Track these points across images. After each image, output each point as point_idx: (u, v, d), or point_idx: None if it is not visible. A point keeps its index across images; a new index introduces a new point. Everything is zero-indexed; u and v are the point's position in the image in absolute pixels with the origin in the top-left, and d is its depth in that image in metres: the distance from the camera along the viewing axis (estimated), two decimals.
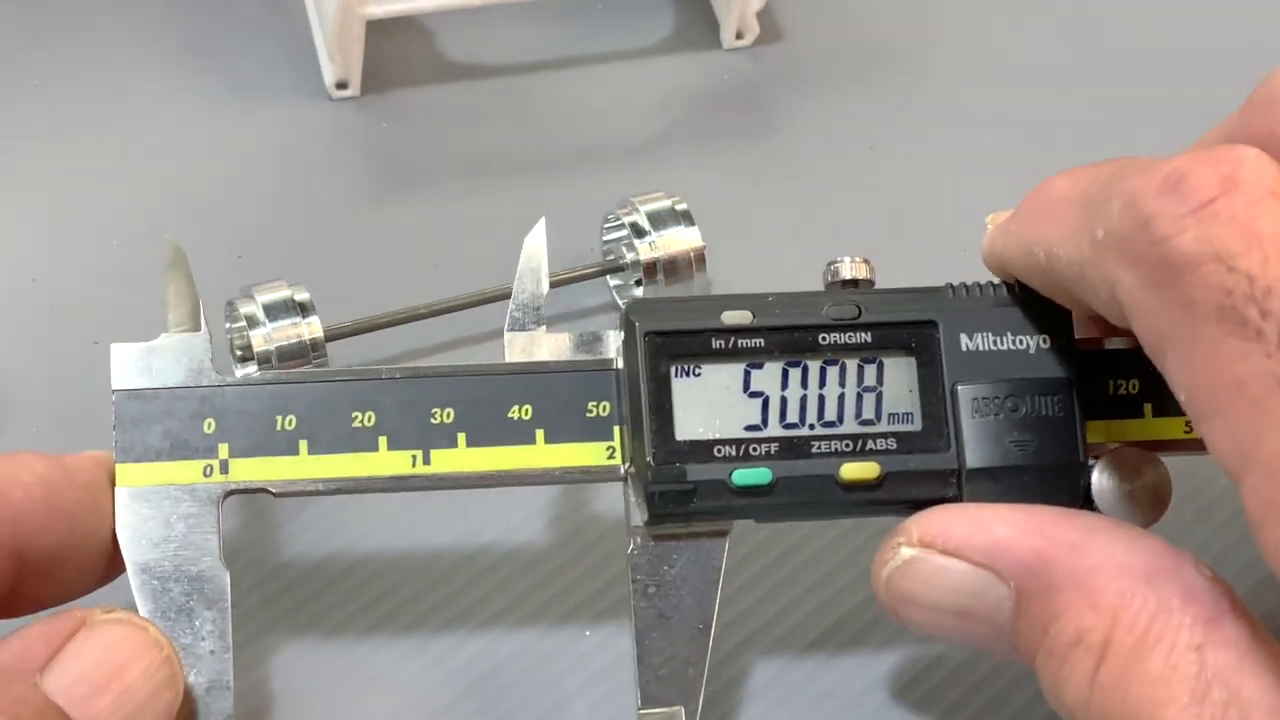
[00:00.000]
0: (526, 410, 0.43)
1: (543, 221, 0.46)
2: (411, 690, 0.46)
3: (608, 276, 0.53)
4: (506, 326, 0.44)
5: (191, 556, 0.41)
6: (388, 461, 0.42)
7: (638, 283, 0.52)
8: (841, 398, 0.43)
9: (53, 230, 0.55)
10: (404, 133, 0.58)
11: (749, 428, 0.42)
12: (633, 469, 0.42)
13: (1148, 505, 0.42)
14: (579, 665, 0.46)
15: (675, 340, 0.42)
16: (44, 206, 0.55)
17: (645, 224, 0.52)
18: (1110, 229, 0.37)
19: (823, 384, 0.43)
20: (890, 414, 0.42)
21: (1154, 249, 0.36)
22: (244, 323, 0.49)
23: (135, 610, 0.41)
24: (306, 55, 0.59)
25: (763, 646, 0.47)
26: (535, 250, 0.45)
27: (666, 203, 0.52)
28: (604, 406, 0.43)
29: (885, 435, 0.42)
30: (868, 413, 0.42)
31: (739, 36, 0.60)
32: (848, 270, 0.44)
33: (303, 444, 0.42)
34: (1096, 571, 0.38)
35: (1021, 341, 0.43)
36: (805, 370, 0.43)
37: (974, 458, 0.42)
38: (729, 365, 0.42)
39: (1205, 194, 0.36)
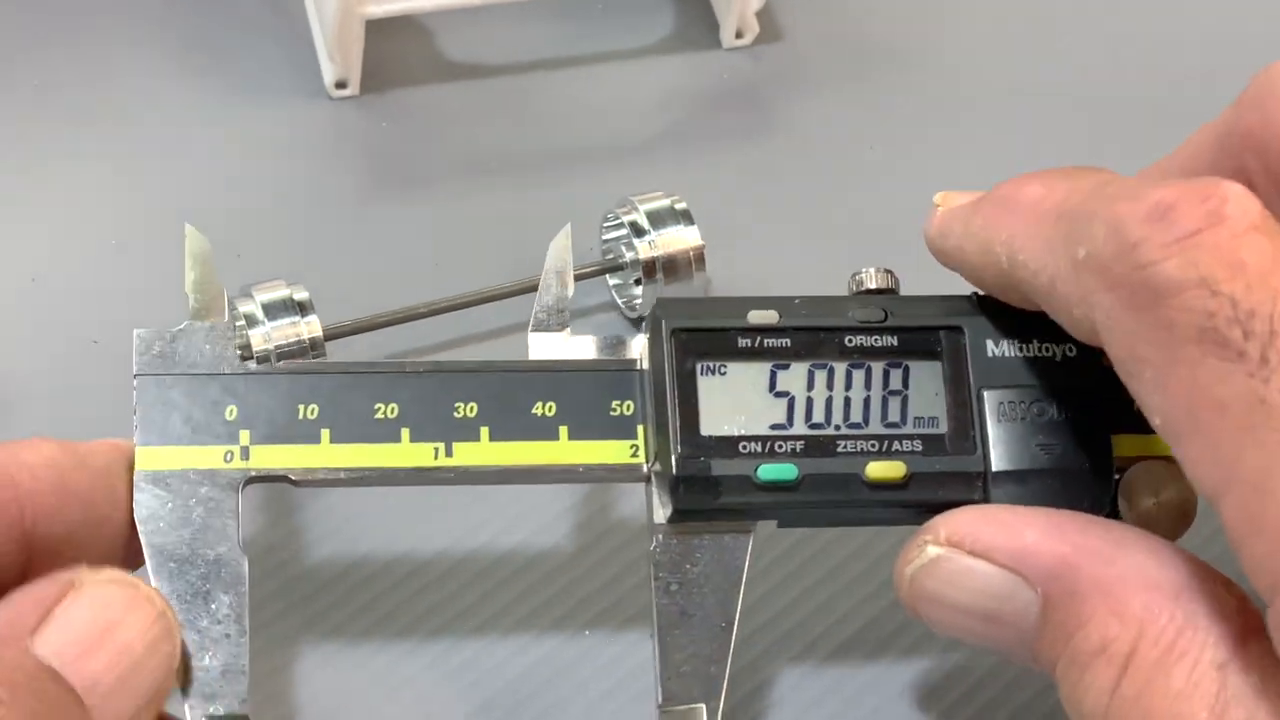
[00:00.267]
0: (550, 407, 0.43)
1: (569, 226, 0.46)
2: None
3: (607, 276, 0.53)
4: (531, 327, 0.44)
5: (210, 541, 0.41)
6: (410, 453, 0.42)
7: (637, 281, 0.52)
8: (867, 400, 0.43)
9: (52, 230, 0.55)
10: (403, 132, 0.58)
11: (774, 426, 0.42)
12: (657, 466, 0.42)
13: (1173, 519, 0.42)
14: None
15: (702, 338, 0.43)
16: (44, 206, 0.55)
17: (644, 223, 0.52)
18: (1093, 250, 0.38)
19: (849, 386, 0.43)
20: (916, 417, 0.43)
21: (1138, 273, 0.37)
22: (243, 321, 0.49)
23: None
24: (306, 55, 0.59)
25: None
26: (560, 253, 0.45)
27: (666, 202, 0.52)
28: (627, 406, 0.43)
29: (911, 437, 0.42)
30: (893, 415, 0.43)
31: (739, 36, 0.60)
32: (872, 281, 0.44)
33: (324, 433, 0.42)
34: (1125, 582, 0.38)
35: (1048, 350, 0.43)
36: (831, 372, 0.43)
37: (1000, 461, 0.42)
38: (755, 364, 0.43)
39: (1191, 224, 0.36)
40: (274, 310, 0.48)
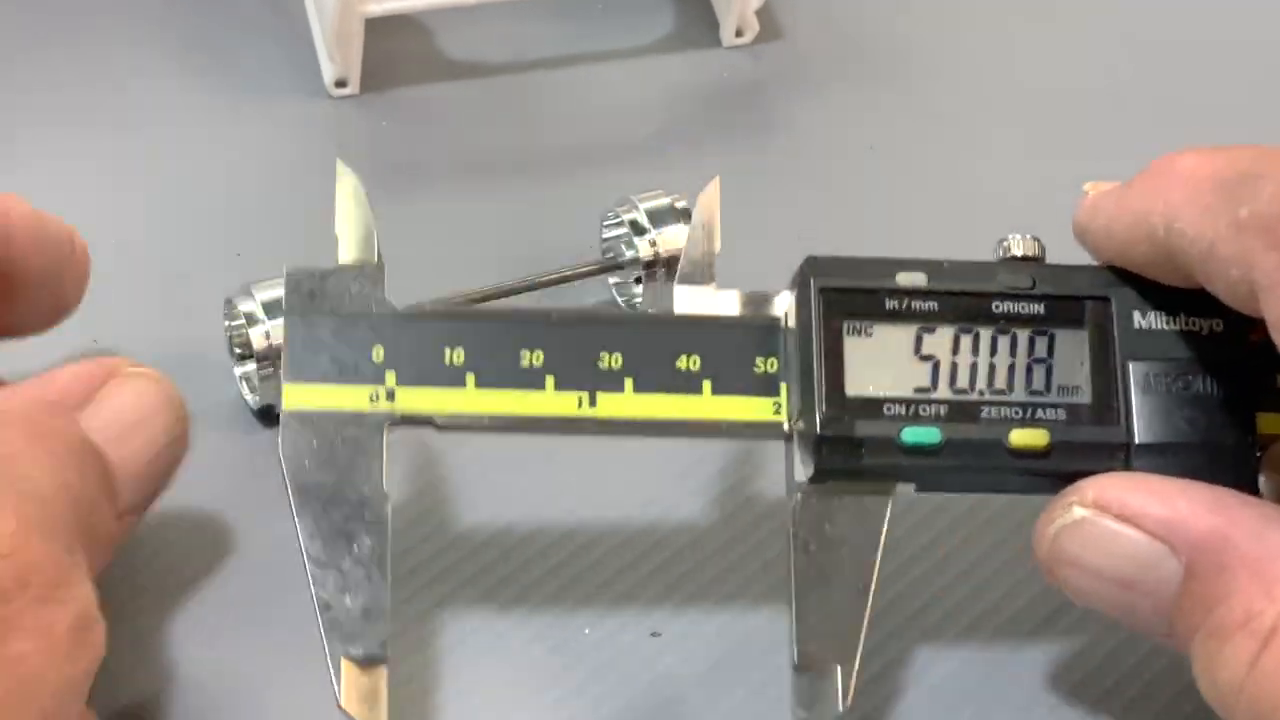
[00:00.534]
0: (695, 361, 0.43)
1: (718, 179, 0.46)
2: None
3: (607, 275, 0.53)
4: (677, 280, 0.44)
5: (355, 482, 0.41)
6: (554, 401, 0.42)
7: (637, 280, 0.52)
8: (1012, 367, 0.43)
9: None
10: (403, 131, 0.58)
11: (919, 390, 0.42)
12: (800, 424, 0.42)
13: None
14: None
15: (849, 298, 0.43)
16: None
17: (645, 222, 0.52)
18: (1256, 209, 0.38)
19: (994, 352, 0.43)
20: (1060, 386, 0.43)
21: None
22: (243, 320, 0.49)
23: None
24: (306, 54, 0.59)
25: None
26: (709, 206, 0.45)
27: (666, 200, 0.52)
28: (771, 363, 0.43)
29: (1055, 405, 0.42)
30: (1038, 384, 0.43)
31: (739, 35, 0.60)
32: (1019, 249, 0.44)
33: (470, 377, 0.42)
34: (1274, 559, 0.38)
35: (1195, 323, 0.43)
36: (977, 337, 0.43)
37: (1144, 433, 0.42)
38: (901, 327, 0.43)
39: None
40: (274, 309, 0.48)
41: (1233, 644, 0.38)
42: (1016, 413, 0.42)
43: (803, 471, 0.42)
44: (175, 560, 0.47)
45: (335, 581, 0.40)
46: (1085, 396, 0.42)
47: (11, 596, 0.36)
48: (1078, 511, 0.41)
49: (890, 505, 0.42)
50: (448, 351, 0.42)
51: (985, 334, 0.43)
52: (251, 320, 0.48)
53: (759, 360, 0.43)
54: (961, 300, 0.43)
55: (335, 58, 0.57)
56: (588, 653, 0.46)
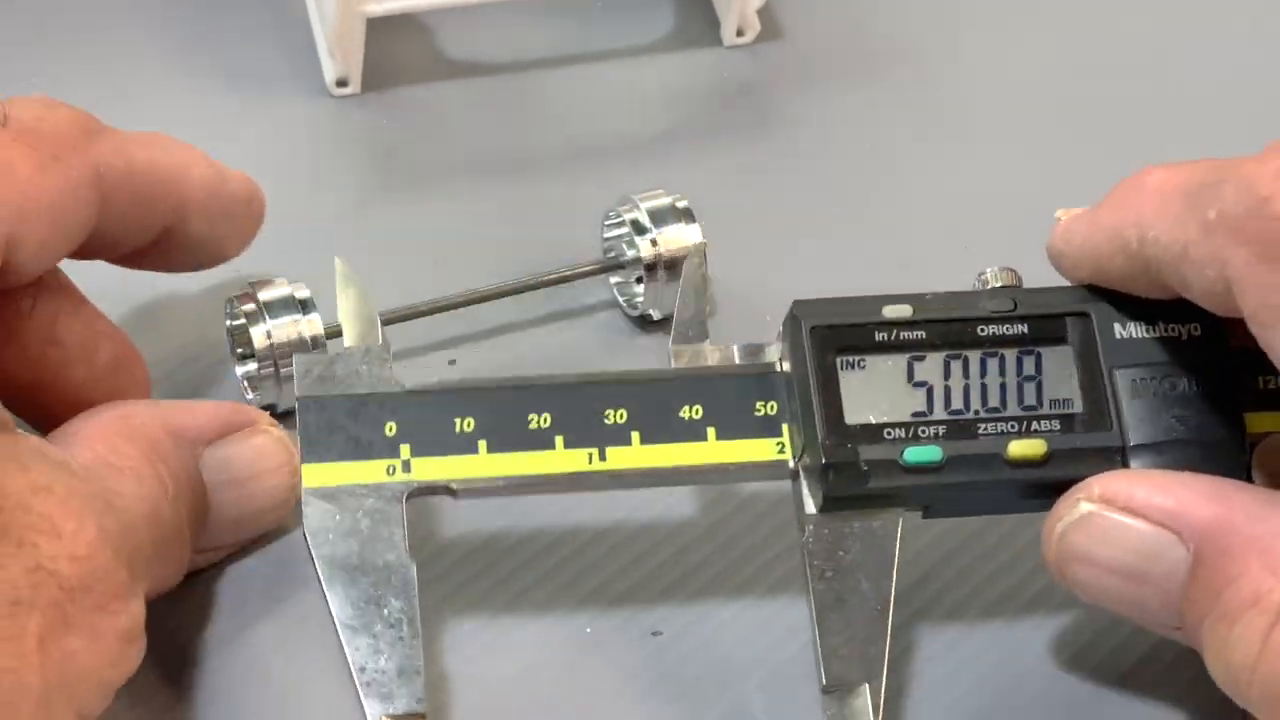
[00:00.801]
0: (697, 410, 0.45)
1: (702, 244, 0.50)
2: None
3: (608, 274, 0.53)
4: (672, 341, 0.46)
5: (379, 550, 0.43)
6: (566, 459, 0.44)
7: (638, 280, 0.52)
8: (1003, 385, 0.44)
9: None
10: (404, 130, 0.58)
11: (916, 414, 0.44)
12: (805, 460, 0.44)
13: None
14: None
15: (839, 333, 0.44)
16: None
17: (646, 221, 0.52)
18: (1223, 209, 0.39)
19: (984, 373, 0.44)
20: (1051, 399, 0.44)
21: (1270, 225, 0.38)
22: (244, 320, 0.49)
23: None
24: (307, 53, 0.59)
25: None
26: (695, 269, 0.48)
27: (667, 200, 0.52)
28: (771, 406, 0.45)
29: (1049, 417, 0.44)
30: (1030, 399, 0.44)
31: (739, 34, 0.60)
32: (997, 281, 0.46)
33: (482, 444, 0.44)
34: (1278, 537, 0.39)
35: (1174, 329, 0.44)
36: (966, 361, 0.44)
37: (1137, 434, 0.43)
38: (892, 357, 0.44)
39: None
40: (275, 308, 0.48)
41: (1243, 623, 0.39)
42: (1013, 426, 0.44)
43: (811, 504, 0.44)
44: None
45: (368, 645, 0.42)
46: (1077, 407, 0.44)
47: (76, 597, 0.38)
48: (1084, 507, 0.41)
49: (900, 526, 0.44)
50: (458, 421, 0.44)
51: (974, 357, 0.44)
52: (253, 319, 0.48)
53: (759, 404, 0.45)
54: (948, 327, 0.45)
55: (336, 57, 0.57)
56: (588, 652, 0.46)
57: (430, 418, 0.44)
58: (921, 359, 0.44)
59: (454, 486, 0.44)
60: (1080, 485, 0.42)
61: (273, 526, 0.46)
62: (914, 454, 0.43)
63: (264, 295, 0.49)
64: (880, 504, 0.44)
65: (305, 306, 0.49)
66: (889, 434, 0.43)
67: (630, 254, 0.52)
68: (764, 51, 0.60)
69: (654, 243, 0.51)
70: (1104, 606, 0.42)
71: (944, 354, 0.44)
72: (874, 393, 0.44)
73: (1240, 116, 0.58)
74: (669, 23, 0.61)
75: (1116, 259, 0.43)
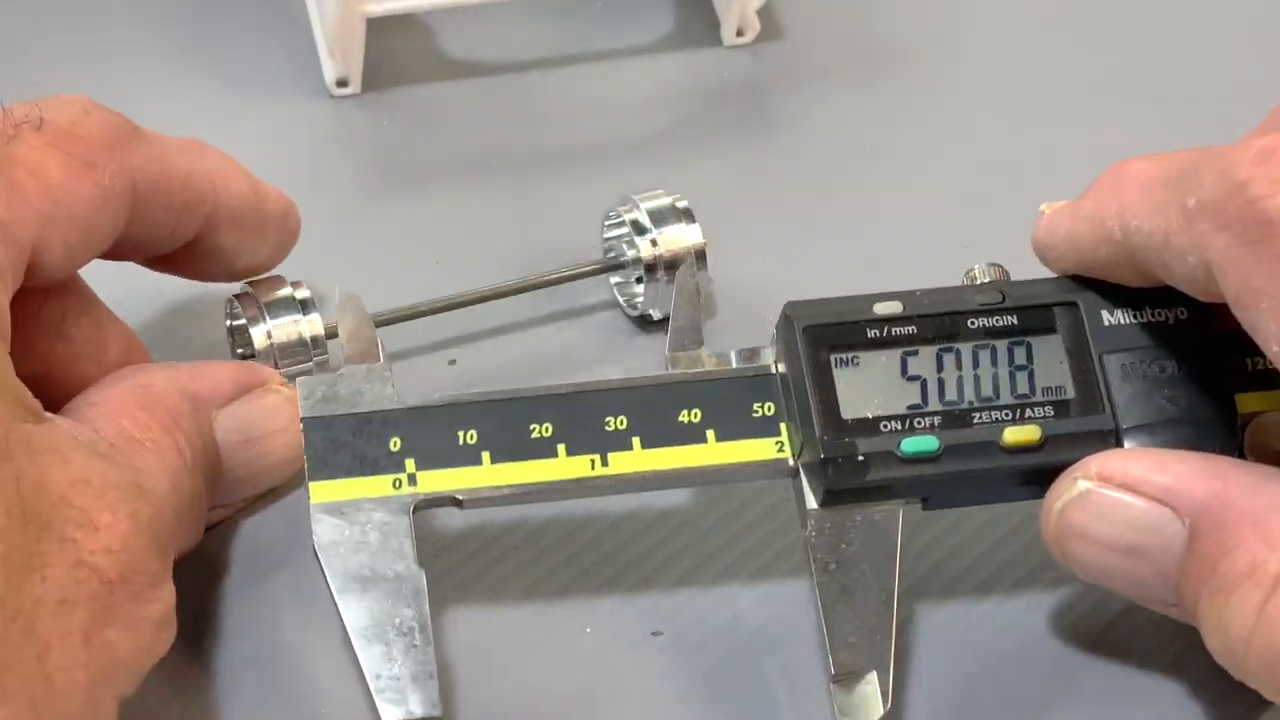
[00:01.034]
0: (696, 413, 0.45)
1: (693, 257, 0.50)
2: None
3: (608, 274, 0.53)
4: (668, 348, 0.47)
5: (388, 561, 0.43)
6: (569, 466, 0.45)
7: (639, 280, 0.52)
8: (995, 376, 0.45)
9: None
10: (404, 130, 0.58)
11: (911, 406, 0.45)
12: (804, 457, 0.45)
13: None
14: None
15: (832, 331, 0.45)
16: None
17: (646, 221, 0.52)
18: (1203, 196, 0.40)
19: (976, 365, 0.45)
20: (1044, 387, 0.45)
21: (1249, 208, 0.39)
22: (244, 320, 0.49)
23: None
24: (307, 53, 0.59)
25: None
26: (688, 278, 0.48)
27: (667, 200, 0.52)
28: (768, 406, 0.45)
29: (1042, 404, 0.45)
30: (1022, 387, 0.45)
31: (739, 34, 0.60)
32: (985, 278, 0.46)
33: (485, 455, 0.45)
34: (1273, 510, 0.39)
35: (1160, 314, 0.45)
36: (958, 354, 0.45)
37: (1129, 416, 0.44)
38: (885, 352, 0.45)
39: None
40: (275, 308, 0.48)
41: (1239, 594, 0.39)
42: (1007, 414, 0.45)
43: (813, 499, 0.44)
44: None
45: (381, 653, 0.43)
46: (1070, 393, 0.45)
47: (114, 589, 0.39)
48: (1082, 484, 0.42)
49: (901, 515, 0.44)
50: (461, 434, 0.45)
51: (966, 350, 0.45)
52: (253, 320, 0.48)
53: (756, 405, 0.46)
54: (938, 321, 0.45)
55: (336, 57, 0.57)
56: (588, 652, 0.46)
57: (433, 432, 0.45)
58: (914, 353, 0.45)
59: (460, 497, 0.44)
60: (1078, 464, 0.42)
61: (282, 482, 0.47)
62: (911, 444, 0.44)
63: (264, 295, 0.49)
64: (880, 496, 0.44)
65: (305, 306, 0.49)
66: (885, 427, 0.44)
67: (630, 254, 0.52)
68: (764, 51, 0.60)
69: (654, 243, 0.51)
70: (1102, 584, 0.43)
71: (936, 348, 0.45)
72: (869, 388, 0.44)
73: (1239, 116, 0.58)
74: (669, 23, 0.61)
75: (1100, 249, 0.44)
